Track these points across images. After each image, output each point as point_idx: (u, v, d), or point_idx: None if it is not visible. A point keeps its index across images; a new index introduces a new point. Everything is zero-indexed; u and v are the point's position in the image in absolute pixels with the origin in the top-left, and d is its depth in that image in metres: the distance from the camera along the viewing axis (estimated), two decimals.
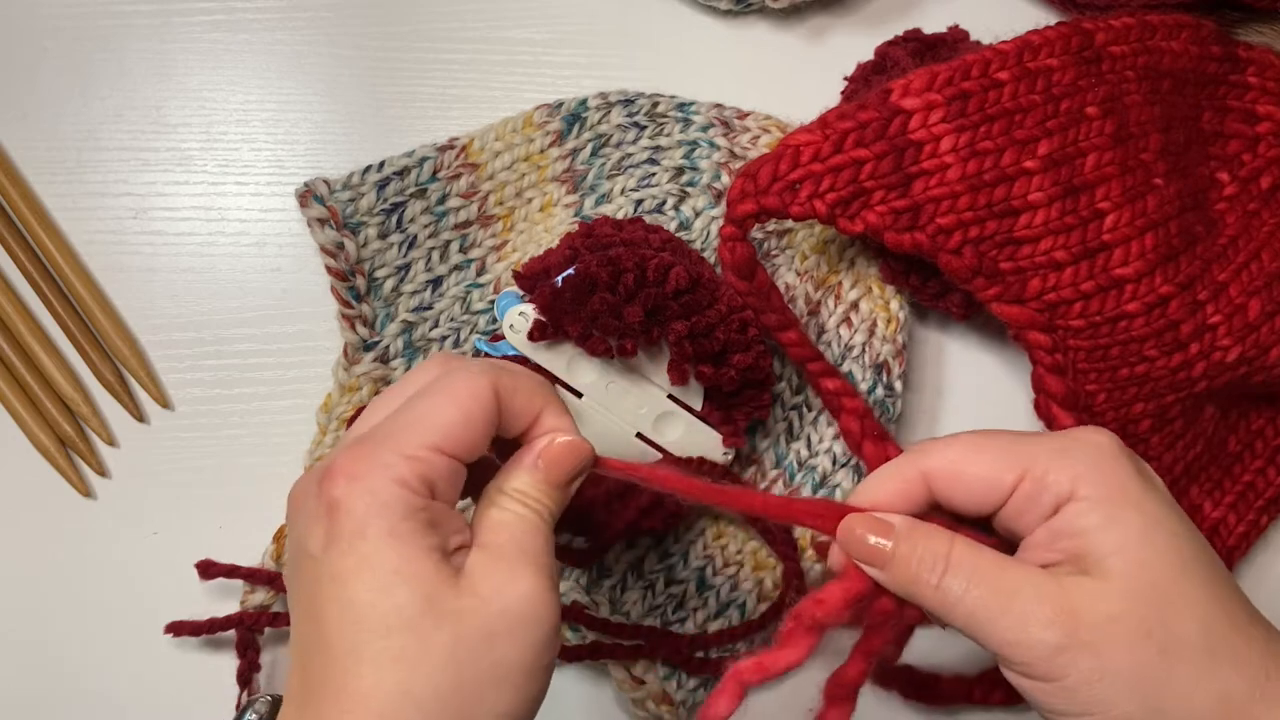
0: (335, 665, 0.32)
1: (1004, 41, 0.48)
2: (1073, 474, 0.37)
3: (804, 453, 0.52)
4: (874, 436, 0.49)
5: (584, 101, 0.55)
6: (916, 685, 0.52)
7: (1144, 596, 0.35)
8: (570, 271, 0.46)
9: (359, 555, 0.33)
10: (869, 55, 0.55)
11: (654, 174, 0.54)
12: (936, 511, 0.40)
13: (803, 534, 0.52)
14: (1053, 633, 0.35)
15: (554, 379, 0.48)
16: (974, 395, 0.56)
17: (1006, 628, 0.36)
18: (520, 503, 0.37)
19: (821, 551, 0.51)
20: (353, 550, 0.33)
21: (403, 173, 0.53)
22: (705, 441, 0.49)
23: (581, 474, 0.39)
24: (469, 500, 0.51)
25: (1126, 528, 0.36)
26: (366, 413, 0.38)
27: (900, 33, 0.55)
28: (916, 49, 0.52)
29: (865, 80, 0.53)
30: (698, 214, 0.54)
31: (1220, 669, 0.35)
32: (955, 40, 0.53)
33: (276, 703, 0.41)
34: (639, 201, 0.54)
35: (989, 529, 0.39)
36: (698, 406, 0.49)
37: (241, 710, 0.42)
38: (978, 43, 0.53)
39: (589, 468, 0.39)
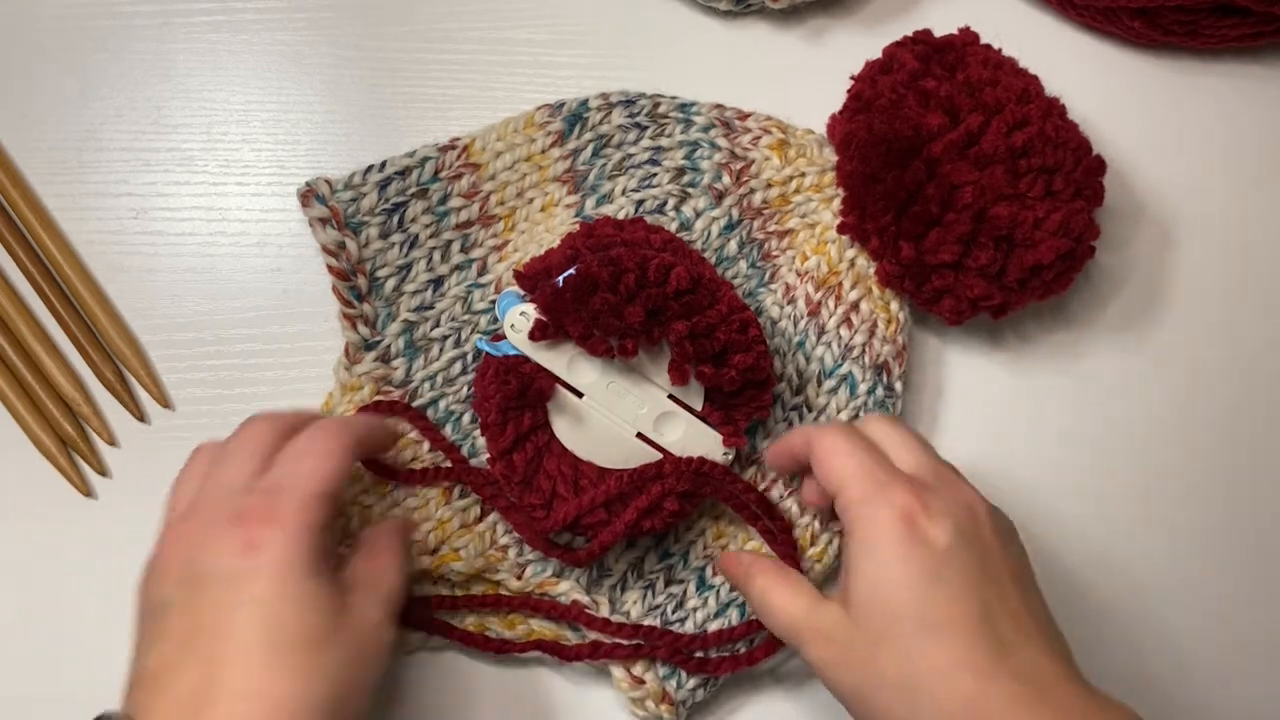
0: (239, 672, 0.39)
1: None
2: None
3: None
4: None
5: (585, 102, 0.55)
6: None
7: None
8: (571, 271, 0.46)
9: (282, 582, 0.40)
10: (868, 56, 0.55)
11: (655, 174, 0.54)
12: None
13: (803, 534, 0.52)
14: None
15: (555, 379, 0.48)
16: (973, 396, 0.56)
17: None
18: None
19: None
20: (277, 577, 0.40)
21: (404, 172, 0.53)
22: (706, 441, 0.49)
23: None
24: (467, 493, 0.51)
25: None
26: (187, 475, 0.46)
27: (903, 34, 0.55)
28: (923, 52, 0.52)
29: (872, 80, 0.52)
30: (698, 214, 0.54)
31: None
32: (965, 43, 0.53)
33: None
34: (640, 202, 0.54)
35: None
36: (698, 406, 0.49)
37: None
38: (987, 46, 0.53)
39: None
